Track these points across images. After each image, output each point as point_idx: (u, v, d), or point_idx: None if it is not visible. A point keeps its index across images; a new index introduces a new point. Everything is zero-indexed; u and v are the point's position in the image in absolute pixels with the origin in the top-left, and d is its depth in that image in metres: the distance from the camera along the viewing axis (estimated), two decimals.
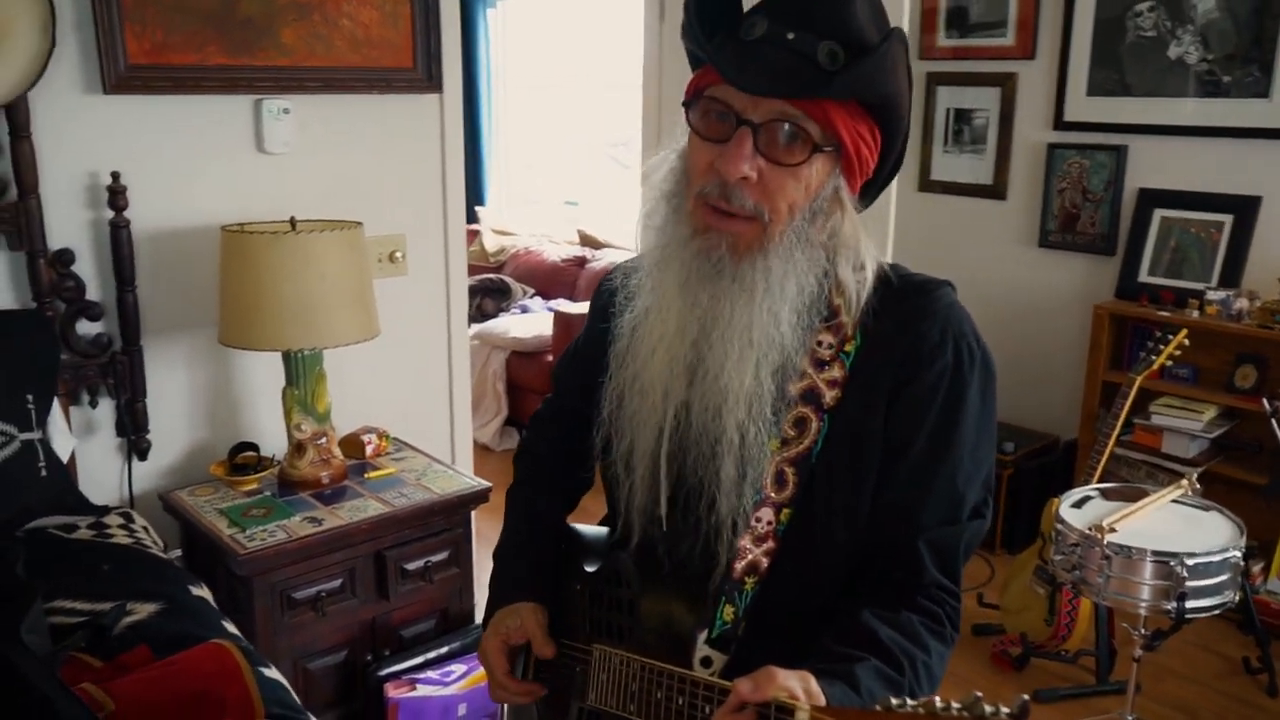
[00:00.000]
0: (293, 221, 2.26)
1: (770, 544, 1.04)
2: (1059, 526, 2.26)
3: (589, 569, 1.14)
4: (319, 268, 2.15)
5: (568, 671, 1.14)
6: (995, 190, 3.83)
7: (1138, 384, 2.75)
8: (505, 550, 1.24)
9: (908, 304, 1.05)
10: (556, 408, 1.34)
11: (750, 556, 1.04)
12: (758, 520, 1.03)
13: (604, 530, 1.23)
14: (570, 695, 1.13)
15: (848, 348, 1.04)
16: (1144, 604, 2.15)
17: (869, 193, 1.09)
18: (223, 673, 1.39)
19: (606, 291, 1.19)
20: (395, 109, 2.59)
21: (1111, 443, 2.73)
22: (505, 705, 1.22)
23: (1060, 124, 3.61)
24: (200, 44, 2.25)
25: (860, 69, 0.94)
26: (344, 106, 2.50)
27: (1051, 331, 3.74)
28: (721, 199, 1.00)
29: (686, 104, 1.04)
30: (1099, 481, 2.69)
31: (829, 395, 1.03)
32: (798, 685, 0.85)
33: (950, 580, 1.05)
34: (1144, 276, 3.42)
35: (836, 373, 1.04)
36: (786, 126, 0.97)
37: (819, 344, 1.04)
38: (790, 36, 0.95)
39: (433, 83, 2.62)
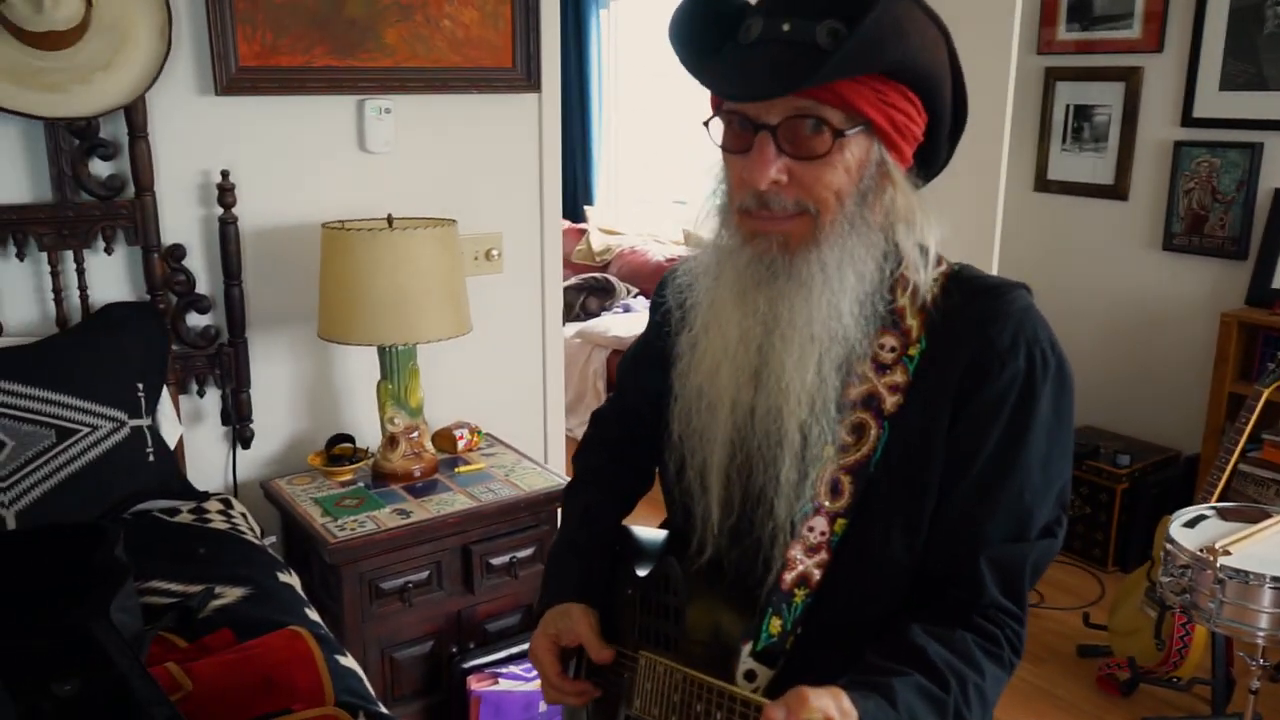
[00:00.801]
0: (389, 219, 2.32)
1: (823, 555, 0.99)
2: (1168, 546, 2.13)
3: (641, 573, 1.12)
4: (413, 264, 2.19)
5: (616, 677, 1.13)
6: (1116, 191, 3.64)
7: (1265, 396, 2.58)
8: (559, 551, 1.23)
9: (977, 306, 0.99)
10: (620, 407, 1.32)
11: (801, 567, 1.00)
12: (810, 530, 0.99)
13: (661, 534, 1.20)
14: (618, 701, 1.12)
15: (911, 351, 0.99)
16: (1262, 633, 2.01)
17: (931, 160, 1.04)
18: (296, 659, 1.43)
19: (667, 290, 1.17)
20: (494, 109, 2.62)
21: (1234, 459, 2.56)
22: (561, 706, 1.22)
23: (1189, 120, 3.41)
24: (307, 45, 2.33)
25: (852, 42, 0.89)
26: (444, 106, 2.54)
27: (1175, 340, 3.54)
28: (762, 208, 0.97)
29: (706, 122, 1.01)
30: (1220, 500, 2.53)
31: (890, 401, 0.98)
32: (830, 704, 0.82)
33: (1013, 602, 0.99)
34: (1278, 283, 3.20)
35: (899, 377, 0.99)
36: (807, 121, 0.93)
37: (881, 346, 0.99)
38: (786, 28, 0.92)
39: (532, 82, 2.65)
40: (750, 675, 1.00)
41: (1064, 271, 3.83)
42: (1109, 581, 3.36)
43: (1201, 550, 2.04)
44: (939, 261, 1.03)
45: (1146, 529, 3.17)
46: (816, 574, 1.00)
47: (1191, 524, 2.22)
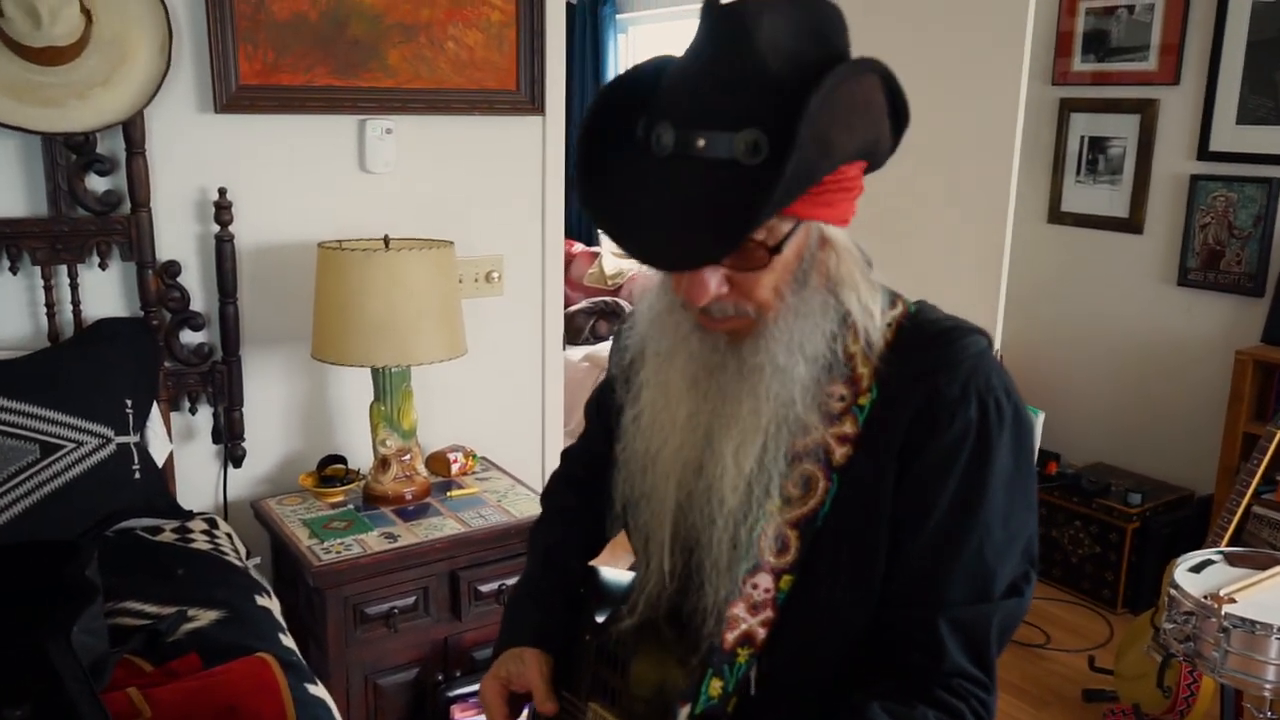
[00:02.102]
0: (386, 239, 2.30)
1: (769, 613, 0.95)
2: (1172, 592, 2.07)
3: (600, 619, 1.08)
4: (407, 286, 2.17)
5: None
6: (1131, 224, 3.59)
7: (1279, 437, 2.51)
8: (519, 594, 1.20)
9: (927, 354, 0.94)
10: (584, 448, 1.29)
11: (744, 626, 0.95)
12: (754, 587, 0.94)
13: (629, 576, 1.17)
14: None
15: (861, 400, 0.94)
16: (1269, 685, 1.94)
17: (874, 165, 0.97)
18: (260, 687, 1.40)
19: (624, 343, 1.13)
20: (497, 131, 2.61)
21: (1245, 501, 2.50)
22: None
23: (1205, 154, 3.36)
24: (309, 65, 2.32)
25: (780, 186, 0.81)
26: (446, 127, 2.53)
27: (1189, 377, 3.47)
28: (702, 315, 0.94)
29: None
30: (1230, 543, 2.47)
31: (839, 452, 0.93)
32: None
33: (979, 668, 0.93)
34: None
35: (848, 428, 0.94)
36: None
37: (829, 395, 0.94)
38: (701, 144, 0.85)
39: (535, 105, 2.64)
40: None
41: (1077, 304, 3.77)
42: (1118, 624, 3.28)
43: (1206, 597, 1.98)
44: (894, 303, 0.99)
45: (1157, 570, 3.08)
46: (761, 632, 0.95)
47: (1198, 569, 2.16)
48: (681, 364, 0.97)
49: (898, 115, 0.93)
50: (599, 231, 6.11)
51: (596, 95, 0.94)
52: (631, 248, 0.88)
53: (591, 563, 1.21)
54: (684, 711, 0.95)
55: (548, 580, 1.18)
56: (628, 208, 0.90)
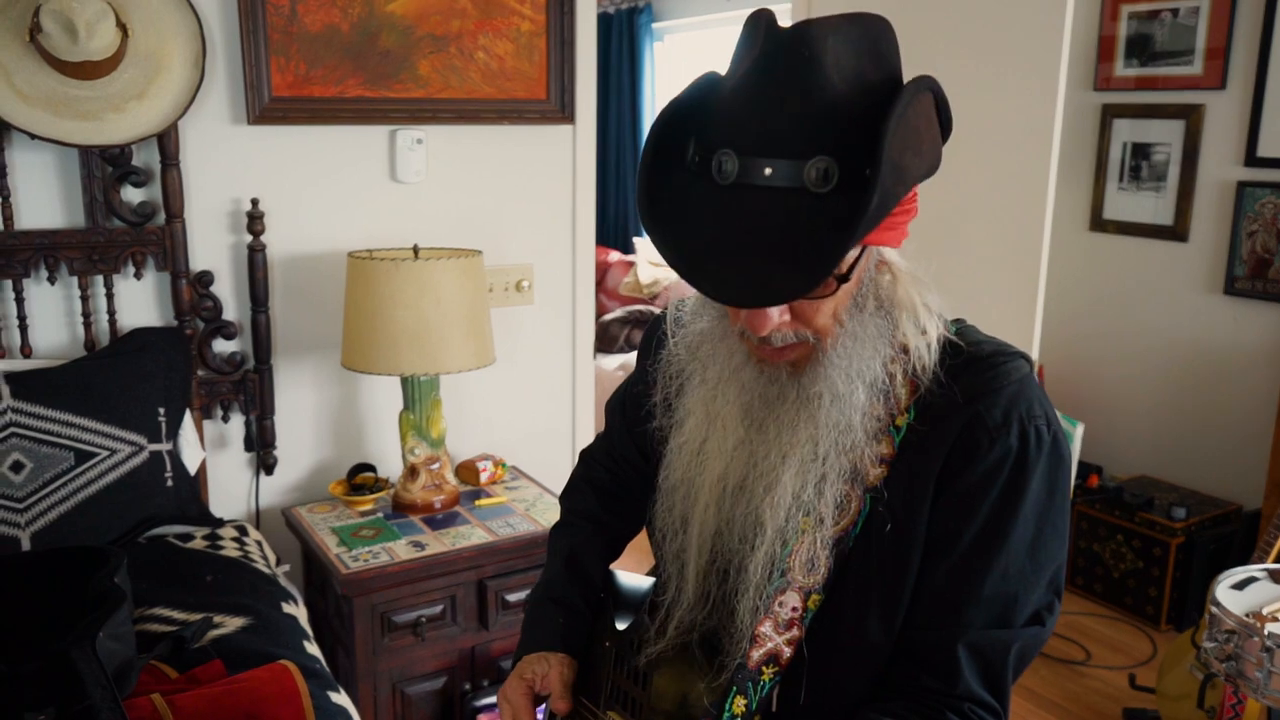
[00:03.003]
0: (416, 249, 2.31)
1: (795, 632, 0.94)
2: (1213, 609, 2.01)
3: (620, 625, 1.07)
4: (436, 295, 2.18)
5: None
6: (1176, 232, 3.51)
7: None
8: (540, 597, 1.19)
9: (969, 378, 0.93)
10: (606, 449, 1.28)
11: (770, 645, 0.94)
12: (781, 605, 0.93)
13: (648, 581, 1.15)
14: None
15: (899, 421, 0.93)
16: None
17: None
18: (280, 694, 1.40)
19: (658, 337, 1.12)
20: (528, 140, 2.62)
21: None
22: None
23: (1252, 160, 3.28)
24: (341, 76, 2.34)
25: (874, 204, 0.79)
26: (477, 137, 2.55)
27: (1236, 388, 3.39)
28: (762, 345, 0.93)
29: None
30: (1277, 559, 2.40)
31: (873, 473, 0.92)
32: None
33: (992, 695, 0.92)
34: None
35: (884, 448, 0.93)
36: None
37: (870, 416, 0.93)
38: (768, 172, 0.82)
39: (565, 114, 2.64)
40: None
41: (1120, 314, 3.69)
42: (1161, 641, 3.20)
43: (1248, 615, 1.92)
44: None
45: (1202, 586, 3.02)
46: (787, 651, 0.94)
47: (1241, 586, 2.10)
48: (734, 395, 0.96)
49: (943, 129, 0.92)
50: (635, 241, 6.11)
51: (655, 124, 0.91)
52: (704, 284, 0.85)
53: (609, 566, 1.20)
54: None
55: (571, 584, 1.18)
56: (691, 238, 0.87)
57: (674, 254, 0.87)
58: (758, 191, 0.83)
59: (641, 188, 0.90)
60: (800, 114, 0.82)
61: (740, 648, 0.96)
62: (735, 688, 0.94)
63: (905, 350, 0.94)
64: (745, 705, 0.94)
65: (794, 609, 0.94)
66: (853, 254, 0.87)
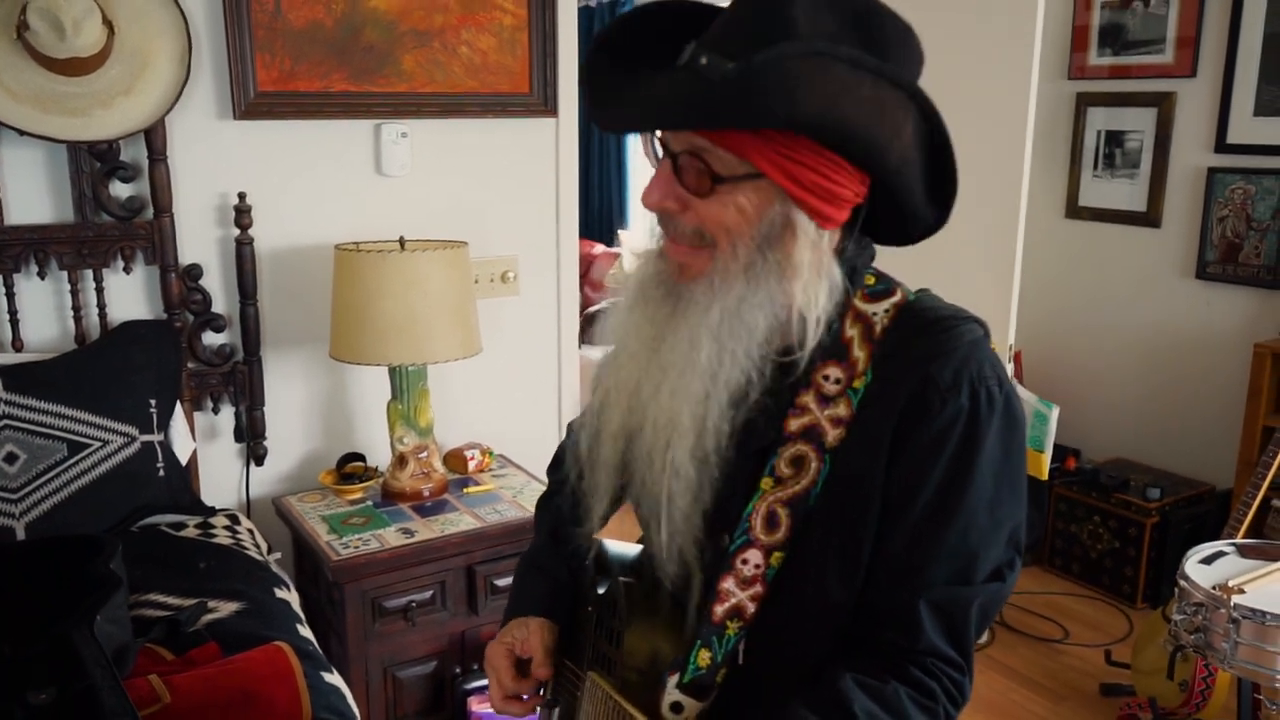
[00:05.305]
0: (401, 241, 2.35)
1: (758, 588, 0.97)
2: (1182, 583, 2.08)
3: (600, 591, 1.12)
4: (423, 286, 2.21)
5: (569, 695, 1.13)
6: (1149, 218, 3.58)
7: None
8: (526, 566, 1.24)
9: (923, 341, 0.96)
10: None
11: (733, 600, 0.98)
12: (744, 562, 0.97)
13: (636, 548, 1.19)
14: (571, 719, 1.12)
15: (856, 384, 0.96)
16: None
17: (907, 220, 1.00)
18: (276, 674, 1.44)
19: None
20: (511, 133, 2.65)
21: (1261, 494, 2.49)
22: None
23: (1222, 146, 3.34)
24: (325, 72, 2.37)
25: (728, 90, 0.84)
26: (460, 130, 2.58)
27: (1208, 370, 3.46)
28: (662, 228, 0.98)
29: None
30: (1247, 536, 2.46)
31: (832, 434, 0.96)
32: None
33: (955, 649, 0.95)
34: None
35: (842, 410, 0.96)
36: (696, 159, 0.92)
37: (825, 378, 0.97)
38: (703, 60, 0.88)
39: (548, 107, 2.67)
40: (677, 707, 0.98)
41: (1096, 300, 3.76)
42: (1137, 619, 3.27)
43: (1215, 588, 1.98)
44: (892, 290, 1.01)
45: (1176, 565, 3.08)
46: (751, 607, 0.98)
47: (1209, 560, 2.16)
48: (634, 290, 1.02)
49: (945, 181, 0.97)
50: (619, 234, 6.13)
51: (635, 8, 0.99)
52: (596, 114, 0.96)
53: (598, 535, 1.24)
54: (672, 680, 0.98)
55: (555, 552, 1.22)
56: (616, 94, 0.96)
57: (594, 102, 0.98)
58: (686, 73, 0.90)
59: (597, 48, 0.99)
60: (755, 34, 0.88)
61: (699, 581, 1.00)
62: (700, 640, 0.98)
63: (854, 304, 0.98)
64: (710, 658, 0.98)
65: (756, 566, 0.97)
66: (739, 167, 0.91)
